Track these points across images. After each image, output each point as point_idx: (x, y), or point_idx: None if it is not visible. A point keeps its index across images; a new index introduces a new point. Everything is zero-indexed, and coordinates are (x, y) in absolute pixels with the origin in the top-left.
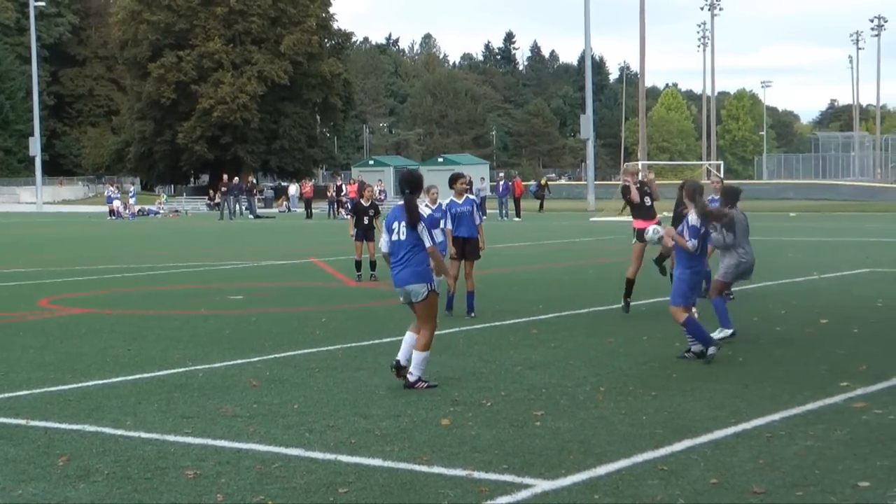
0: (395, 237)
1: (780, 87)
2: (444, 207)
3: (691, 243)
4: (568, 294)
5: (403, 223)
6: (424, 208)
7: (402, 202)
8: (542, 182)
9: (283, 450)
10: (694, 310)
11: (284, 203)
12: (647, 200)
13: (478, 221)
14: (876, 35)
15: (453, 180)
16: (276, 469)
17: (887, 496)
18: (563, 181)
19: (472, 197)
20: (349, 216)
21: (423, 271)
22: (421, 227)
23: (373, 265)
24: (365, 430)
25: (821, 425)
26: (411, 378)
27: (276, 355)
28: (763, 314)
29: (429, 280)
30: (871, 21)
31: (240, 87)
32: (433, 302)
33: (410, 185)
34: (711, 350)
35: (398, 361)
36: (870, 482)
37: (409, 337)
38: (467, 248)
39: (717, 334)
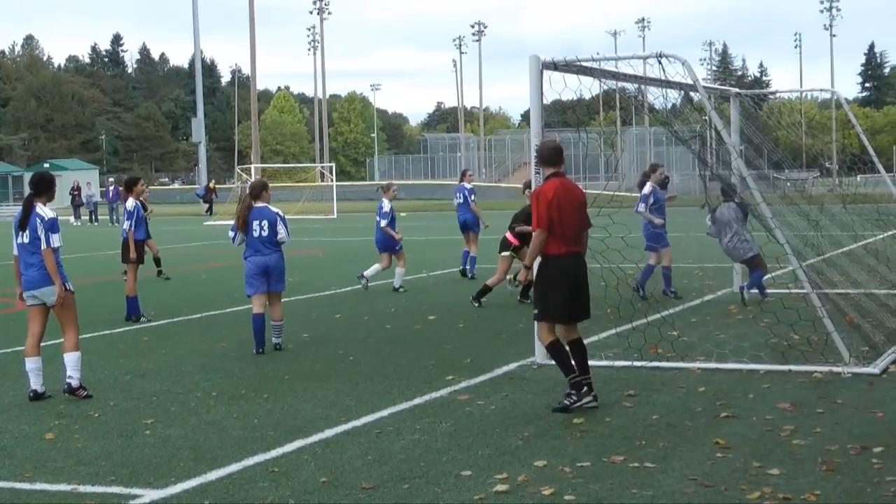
0: (19, 240)
1: (389, 90)
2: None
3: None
4: (180, 299)
5: (31, 225)
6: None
7: (24, 204)
8: (210, 185)
9: None
10: None
11: None
12: None
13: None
14: (477, 40)
15: (134, 182)
16: None
17: (487, 483)
18: (176, 185)
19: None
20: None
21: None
22: (41, 230)
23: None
24: None
25: (427, 419)
26: (73, 383)
27: None
28: (374, 313)
29: (62, 280)
30: (473, 27)
31: None
32: (70, 302)
33: (35, 187)
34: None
35: (35, 391)
36: (472, 471)
37: (31, 363)
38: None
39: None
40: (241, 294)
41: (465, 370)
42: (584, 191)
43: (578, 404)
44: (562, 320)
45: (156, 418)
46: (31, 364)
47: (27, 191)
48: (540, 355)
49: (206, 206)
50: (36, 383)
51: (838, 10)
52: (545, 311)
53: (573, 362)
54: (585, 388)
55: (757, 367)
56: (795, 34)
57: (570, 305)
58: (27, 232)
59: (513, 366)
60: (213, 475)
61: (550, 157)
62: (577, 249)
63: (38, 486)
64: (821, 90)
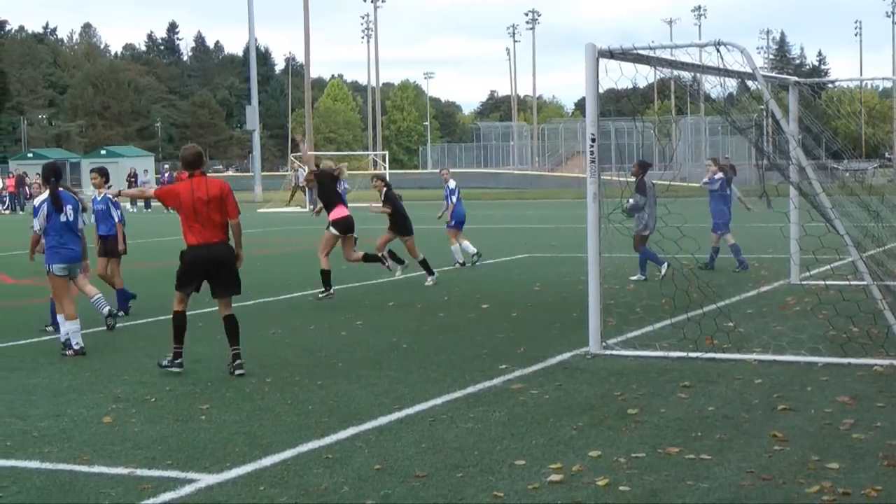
0: (63, 219)
1: (442, 78)
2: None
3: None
4: None
5: (70, 206)
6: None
7: (53, 189)
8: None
9: None
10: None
11: None
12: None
13: (116, 219)
14: (531, 28)
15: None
16: None
17: (541, 472)
18: (230, 172)
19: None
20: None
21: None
22: (76, 211)
23: None
24: (22, 432)
25: (481, 408)
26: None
27: None
28: (427, 301)
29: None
30: (527, 15)
31: None
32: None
33: (55, 174)
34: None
35: (82, 347)
36: (525, 460)
37: (76, 325)
38: (107, 245)
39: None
40: (295, 281)
41: (519, 359)
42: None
43: (167, 366)
44: (186, 291)
45: (211, 404)
46: (76, 326)
47: (85, 177)
48: (594, 345)
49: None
50: (79, 341)
51: None
52: (178, 285)
53: (228, 335)
54: (180, 360)
55: (815, 360)
56: (856, 22)
57: (197, 283)
58: (73, 213)
59: (566, 355)
60: (267, 461)
61: (190, 161)
62: (210, 240)
63: (97, 468)
64: (882, 79)
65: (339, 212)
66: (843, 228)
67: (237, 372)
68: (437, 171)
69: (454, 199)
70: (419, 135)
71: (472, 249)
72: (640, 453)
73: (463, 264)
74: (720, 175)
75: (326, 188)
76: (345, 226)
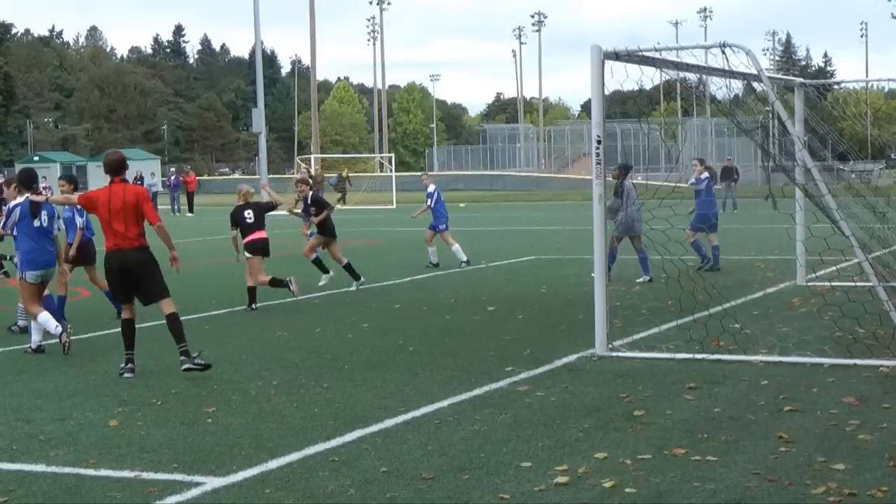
0: (37, 224)
1: (448, 80)
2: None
3: None
4: (240, 289)
5: (45, 212)
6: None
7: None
8: (343, 174)
9: None
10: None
11: None
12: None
13: (78, 226)
14: (537, 31)
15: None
16: None
17: (547, 474)
18: (236, 175)
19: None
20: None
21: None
22: (54, 218)
23: None
24: (28, 436)
25: (487, 410)
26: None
27: None
28: (433, 303)
29: None
30: (533, 17)
31: None
32: None
33: (35, 181)
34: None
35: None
36: (532, 462)
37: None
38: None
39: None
40: (300, 284)
41: (525, 361)
42: (640, 181)
43: (123, 373)
44: (121, 301)
45: (217, 407)
46: (46, 315)
47: (90, 180)
48: (600, 347)
49: (339, 195)
50: (56, 324)
51: None
52: (111, 295)
53: (172, 334)
54: (131, 365)
55: (821, 361)
56: (861, 23)
57: (123, 290)
58: (42, 218)
59: (572, 357)
60: (273, 464)
61: (112, 167)
62: (122, 246)
63: (103, 472)
64: (888, 80)
65: (252, 237)
66: (849, 230)
67: (185, 366)
68: (445, 173)
69: (430, 202)
70: (425, 137)
71: (434, 260)
72: (646, 455)
73: (468, 263)
74: (706, 175)
75: (239, 221)
76: (253, 248)
